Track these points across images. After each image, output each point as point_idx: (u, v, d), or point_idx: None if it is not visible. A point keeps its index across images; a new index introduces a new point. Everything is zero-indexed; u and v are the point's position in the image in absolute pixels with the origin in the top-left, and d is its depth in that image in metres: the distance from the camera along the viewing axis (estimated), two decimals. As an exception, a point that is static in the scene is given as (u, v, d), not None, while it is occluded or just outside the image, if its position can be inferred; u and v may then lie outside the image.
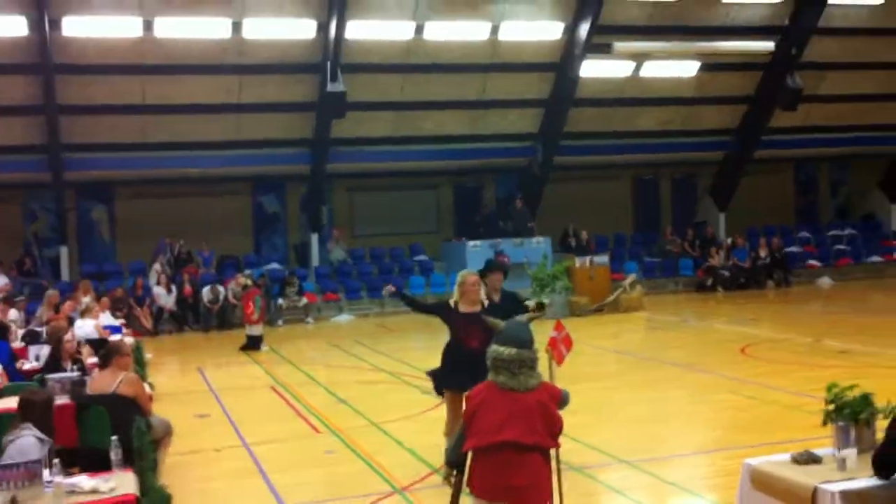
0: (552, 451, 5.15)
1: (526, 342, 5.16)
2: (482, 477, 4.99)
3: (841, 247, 27.92)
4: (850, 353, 13.70)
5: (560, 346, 6.51)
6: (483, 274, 8.17)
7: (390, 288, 8.90)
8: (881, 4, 24.39)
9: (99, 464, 6.42)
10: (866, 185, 29.57)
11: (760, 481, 5.44)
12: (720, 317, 19.92)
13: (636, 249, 26.76)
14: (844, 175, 30.07)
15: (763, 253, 25.81)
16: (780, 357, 13.87)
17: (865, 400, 5.63)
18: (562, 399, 5.32)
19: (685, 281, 25.75)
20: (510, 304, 7.83)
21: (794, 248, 27.14)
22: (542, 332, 6.40)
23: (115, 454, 6.27)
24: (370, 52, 22.21)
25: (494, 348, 5.14)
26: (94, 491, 5.66)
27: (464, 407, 5.44)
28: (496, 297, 8.16)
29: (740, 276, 25.30)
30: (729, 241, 26.50)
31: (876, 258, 27.49)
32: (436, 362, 15.01)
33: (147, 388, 8.97)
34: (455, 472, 5.29)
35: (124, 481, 5.90)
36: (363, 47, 22.02)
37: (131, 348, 9.75)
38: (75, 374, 9.09)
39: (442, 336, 20.14)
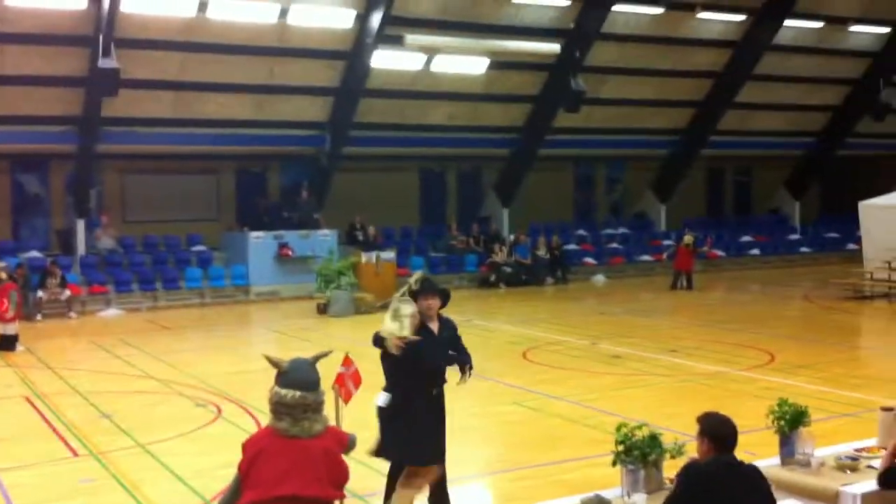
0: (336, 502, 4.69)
1: (312, 384, 4.68)
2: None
3: (614, 245, 29.15)
4: (623, 359, 14.11)
5: (348, 384, 6.04)
6: (413, 297, 6.76)
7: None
8: (660, 14, 25.51)
9: None
10: (639, 185, 31.03)
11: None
12: (503, 316, 20.14)
13: (422, 243, 26.75)
14: (620, 175, 31.43)
15: (543, 250, 26.49)
16: (560, 362, 14.08)
17: (654, 441, 5.55)
18: (349, 444, 4.90)
19: (469, 276, 25.99)
20: (448, 335, 6.84)
21: (572, 246, 28.07)
22: (329, 368, 5.94)
23: None
24: (148, 28, 20.80)
25: (276, 391, 4.63)
26: None
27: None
28: (433, 326, 6.80)
29: (521, 273, 25.83)
30: (512, 237, 27.02)
31: (646, 257, 28.88)
32: (211, 366, 14.31)
33: None
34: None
35: None
36: (140, 22, 20.57)
37: None
38: None
39: (218, 335, 19.16)
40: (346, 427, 5.40)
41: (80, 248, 22.59)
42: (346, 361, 6.26)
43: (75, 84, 21.07)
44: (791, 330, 17.21)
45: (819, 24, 27.92)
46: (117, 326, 19.36)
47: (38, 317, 20.09)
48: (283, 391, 4.58)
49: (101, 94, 20.63)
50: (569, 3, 24.30)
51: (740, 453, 4.87)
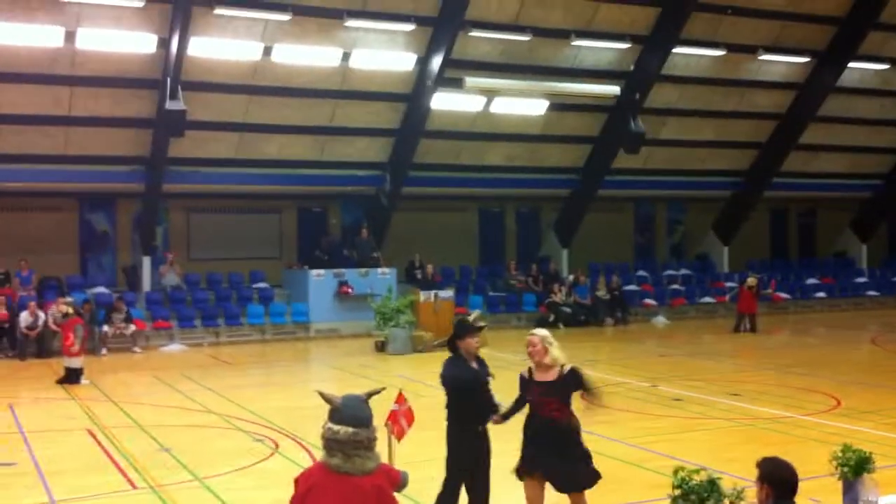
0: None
1: (364, 420, 4.67)
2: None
3: (676, 286, 28.81)
4: (684, 401, 13.87)
5: (401, 421, 6.04)
6: (458, 337, 7.14)
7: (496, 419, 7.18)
8: (721, 56, 25.38)
9: None
10: (701, 227, 30.68)
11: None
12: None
13: (481, 282, 26.74)
14: (681, 216, 31.13)
15: (603, 291, 26.29)
16: (619, 403, 13.87)
17: (712, 485, 5.43)
18: (401, 483, 4.86)
19: (528, 316, 25.86)
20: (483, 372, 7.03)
21: (632, 287, 27.81)
22: (383, 405, 5.96)
23: None
24: (214, 71, 21.32)
25: (328, 427, 4.63)
26: None
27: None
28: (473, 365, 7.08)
29: (581, 313, 25.64)
30: (571, 277, 26.88)
31: (708, 299, 28.47)
32: (270, 401, 14.41)
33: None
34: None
35: None
36: (206, 65, 21.10)
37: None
38: None
39: (278, 371, 19.34)
40: (398, 465, 5.39)
41: (146, 284, 23.05)
42: (400, 399, 6.27)
43: (143, 125, 21.66)
44: (857, 375, 16.75)
45: (883, 67, 27.51)
46: (180, 361, 19.66)
47: (104, 351, 20.51)
48: (336, 427, 4.58)
49: (167, 135, 21.17)
50: (628, 45, 24.32)
51: (803, 500, 4.75)
